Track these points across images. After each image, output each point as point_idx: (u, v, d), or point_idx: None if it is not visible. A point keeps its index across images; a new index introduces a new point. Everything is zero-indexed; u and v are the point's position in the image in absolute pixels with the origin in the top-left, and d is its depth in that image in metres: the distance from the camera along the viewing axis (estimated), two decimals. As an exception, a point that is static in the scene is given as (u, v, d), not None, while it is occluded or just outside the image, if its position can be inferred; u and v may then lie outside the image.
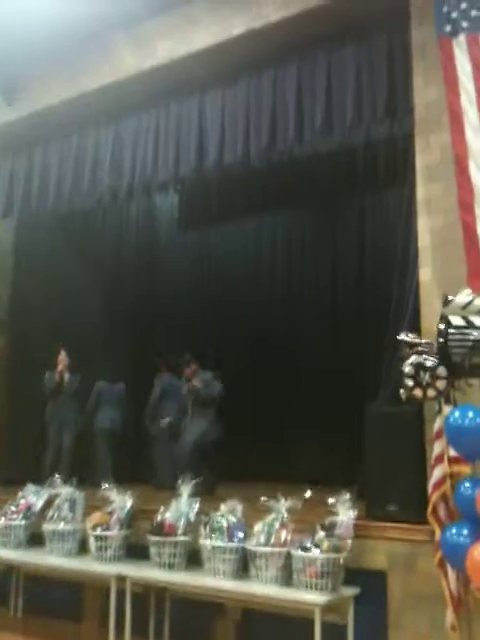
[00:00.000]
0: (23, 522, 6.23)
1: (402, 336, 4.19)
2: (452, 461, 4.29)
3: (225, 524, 5.12)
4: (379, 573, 4.79)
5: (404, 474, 4.78)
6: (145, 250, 10.04)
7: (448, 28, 4.83)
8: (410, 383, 4.01)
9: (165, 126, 6.69)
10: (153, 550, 5.33)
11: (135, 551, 5.67)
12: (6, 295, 9.17)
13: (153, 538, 5.32)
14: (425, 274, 4.94)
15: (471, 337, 3.92)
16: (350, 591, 4.74)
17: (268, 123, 6.07)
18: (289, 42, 6.00)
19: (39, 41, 6.75)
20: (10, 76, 7.33)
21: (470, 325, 3.97)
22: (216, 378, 7.16)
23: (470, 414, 3.80)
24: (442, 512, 4.36)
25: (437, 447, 4.39)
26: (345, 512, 4.77)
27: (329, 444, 6.88)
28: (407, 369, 4.03)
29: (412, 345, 4.11)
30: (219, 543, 5.04)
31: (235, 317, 8.98)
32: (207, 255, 9.65)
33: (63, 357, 8.14)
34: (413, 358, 4.04)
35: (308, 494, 4.98)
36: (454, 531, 4.01)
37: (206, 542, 5.09)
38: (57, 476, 6.34)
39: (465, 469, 4.22)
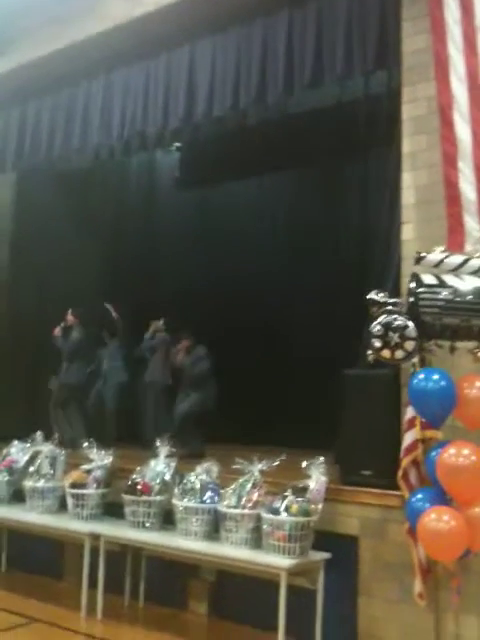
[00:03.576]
0: (6, 478, 6.24)
1: (371, 295, 4.00)
2: (424, 425, 4.15)
3: (198, 485, 5.05)
4: (351, 538, 4.70)
5: (379, 439, 4.63)
6: (145, 209, 9.88)
7: (438, -30, 4.54)
8: (378, 344, 3.85)
9: (154, 77, 6.48)
10: (127, 509, 5.30)
11: (114, 510, 5.64)
12: (6, 256, 9.13)
13: (127, 497, 5.28)
14: (407, 232, 4.71)
15: (441, 296, 3.73)
16: (320, 556, 4.65)
17: (257, 73, 5.82)
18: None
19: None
20: (-1, 29, 7.15)
21: (442, 284, 3.78)
22: (207, 354, 7.08)
23: (435, 377, 3.64)
24: (413, 478, 4.25)
25: (410, 411, 4.25)
26: (317, 476, 4.65)
27: (311, 409, 6.75)
28: (375, 329, 3.86)
29: (381, 304, 3.92)
30: (191, 504, 4.97)
31: (233, 280, 8.81)
32: (208, 215, 9.44)
33: (68, 316, 7.97)
34: (382, 317, 3.86)
35: (283, 457, 4.84)
36: (420, 496, 3.90)
37: (178, 503, 5.03)
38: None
39: (437, 434, 4.07)
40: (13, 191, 9.17)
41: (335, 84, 6.38)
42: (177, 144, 9.52)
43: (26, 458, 6.32)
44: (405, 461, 4.22)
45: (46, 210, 9.13)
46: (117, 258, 9.61)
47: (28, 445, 6.46)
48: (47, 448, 6.11)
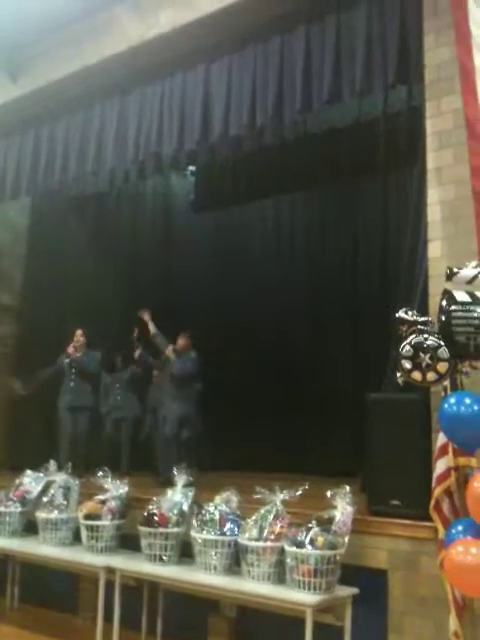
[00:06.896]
0: (19, 509, 6.04)
1: (400, 313, 3.81)
2: (457, 453, 3.91)
3: (217, 516, 4.81)
4: (380, 572, 4.44)
5: (408, 467, 4.39)
6: (160, 233, 9.79)
7: (462, -22, 4.41)
8: (408, 365, 3.65)
9: (169, 97, 6.38)
10: (144, 542, 5.06)
11: (130, 542, 5.41)
12: (19, 280, 9.06)
13: (143, 529, 5.05)
14: (434, 249, 4.53)
15: (476, 314, 3.53)
16: (347, 591, 4.39)
17: (274, 91, 5.71)
18: (298, 5, 5.64)
19: (42, 17, 6.52)
20: (14, 53, 7.11)
21: (476, 301, 3.58)
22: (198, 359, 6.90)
23: (467, 401, 3.42)
24: (446, 508, 4.00)
25: (442, 437, 4.01)
26: (343, 506, 4.41)
27: (335, 435, 6.50)
28: (405, 350, 3.66)
29: (410, 323, 3.72)
30: (210, 536, 4.74)
31: (252, 302, 8.65)
32: (224, 237, 9.33)
33: (77, 337, 7.86)
34: (412, 337, 3.66)
35: (306, 486, 4.61)
36: (460, 528, 3.64)
37: (197, 535, 4.80)
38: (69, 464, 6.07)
39: (472, 461, 3.84)
40: (28, 216, 9.14)
41: (354, 102, 6.27)
42: (192, 168, 9.46)
43: (39, 488, 6.13)
44: (437, 490, 3.97)
45: (61, 234, 9.09)
46: (133, 282, 9.49)
47: (41, 475, 6.27)
48: (60, 478, 5.90)
